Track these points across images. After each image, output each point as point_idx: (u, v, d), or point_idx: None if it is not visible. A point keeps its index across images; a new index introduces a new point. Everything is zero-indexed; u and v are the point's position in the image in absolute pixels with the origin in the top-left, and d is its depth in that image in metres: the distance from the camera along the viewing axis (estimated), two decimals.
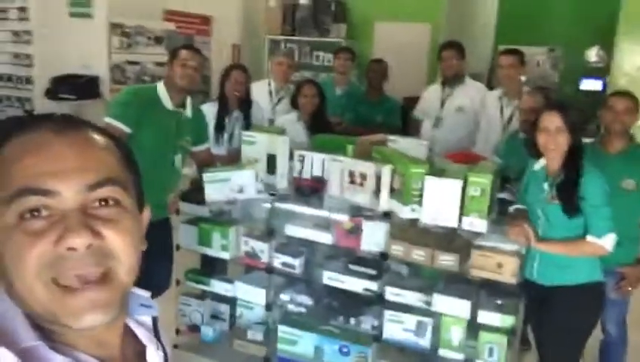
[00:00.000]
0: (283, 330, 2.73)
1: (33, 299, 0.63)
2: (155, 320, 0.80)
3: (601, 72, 7.38)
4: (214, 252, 2.82)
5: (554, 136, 2.23)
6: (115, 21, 4.92)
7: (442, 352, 2.40)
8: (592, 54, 7.69)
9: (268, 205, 2.72)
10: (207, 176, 2.64)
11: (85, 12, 4.96)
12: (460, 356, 2.37)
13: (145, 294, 0.80)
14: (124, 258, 0.66)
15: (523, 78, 3.75)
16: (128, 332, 0.76)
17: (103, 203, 0.65)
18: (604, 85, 6.78)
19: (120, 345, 0.73)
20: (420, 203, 2.26)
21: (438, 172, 2.29)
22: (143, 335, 0.77)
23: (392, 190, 2.36)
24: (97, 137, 0.69)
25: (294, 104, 3.69)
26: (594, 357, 2.95)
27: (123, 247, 0.65)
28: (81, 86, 4.76)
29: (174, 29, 5.58)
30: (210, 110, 3.43)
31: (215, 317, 3.03)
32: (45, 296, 0.62)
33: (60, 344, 0.66)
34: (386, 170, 2.35)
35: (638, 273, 2.69)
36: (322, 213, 2.63)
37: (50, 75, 4.95)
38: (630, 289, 2.72)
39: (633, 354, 2.94)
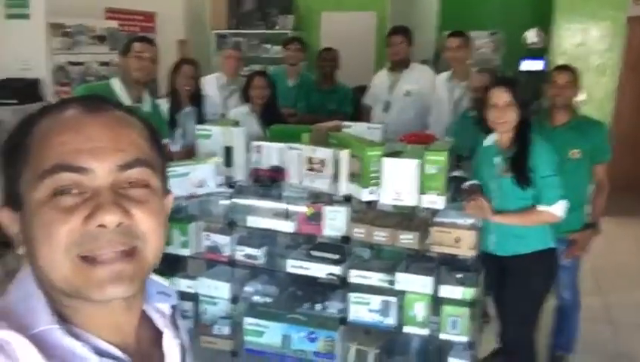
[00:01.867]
0: (249, 322, 2.72)
1: (57, 274, 0.63)
2: (173, 308, 0.80)
3: (540, 52, 7.64)
4: (174, 249, 2.77)
5: (503, 111, 2.30)
6: (54, 21, 4.74)
7: (407, 329, 2.44)
8: (532, 36, 7.96)
9: (227, 198, 2.70)
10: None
11: (21, 13, 4.75)
12: (425, 331, 2.42)
13: (164, 282, 0.80)
14: (151, 238, 0.66)
15: (469, 62, 3.85)
16: (145, 319, 0.76)
17: (132, 184, 0.66)
18: (545, 65, 7.02)
19: (136, 330, 0.73)
20: (378, 185, 2.29)
21: (394, 153, 2.33)
22: (160, 322, 0.77)
23: (350, 174, 2.39)
24: (128, 118, 0.70)
25: (245, 97, 3.67)
26: (548, 323, 3.08)
27: (151, 228, 0.66)
28: (22, 90, 4.56)
29: (117, 27, 5.43)
30: (161, 106, 3.37)
31: None
32: (70, 269, 0.62)
33: (76, 327, 0.65)
34: (344, 155, 2.37)
35: (586, 238, 2.82)
36: (282, 202, 2.63)
37: None
38: (579, 254, 2.85)
39: (586, 316, 3.08)
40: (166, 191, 0.74)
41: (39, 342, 0.61)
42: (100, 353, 0.65)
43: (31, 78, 4.66)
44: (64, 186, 0.62)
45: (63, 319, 0.65)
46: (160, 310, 0.78)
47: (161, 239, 0.68)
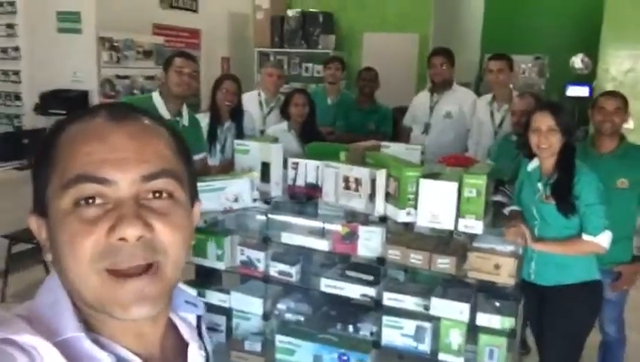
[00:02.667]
0: (281, 340, 2.70)
1: (84, 287, 0.63)
2: (199, 319, 0.79)
3: (586, 78, 7.48)
4: (210, 262, 2.78)
5: (546, 136, 2.24)
6: (104, 35, 4.91)
7: (442, 357, 2.37)
8: (578, 61, 7.80)
9: (263, 213, 2.70)
10: (201, 186, 2.62)
11: (74, 27, 4.95)
12: (460, 360, 2.35)
13: (191, 291, 0.79)
14: (172, 253, 0.65)
15: (511, 85, 3.79)
16: (170, 328, 0.75)
17: (156, 195, 0.65)
18: (591, 91, 6.86)
19: (160, 340, 0.72)
20: (415, 206, 2.25)
21: (433, 175, 2.29)
22: (186, 333, 0.76)
23: (387, 194, 2.36)
24: (155, 128, 0.69)
25: (284, 114, 3.70)
26: (592, 359, 2.94)
27: (172, 242, 0.65)
28: (71, 101, 4.73)
29: (163, 43, 5.58)
30: (202, 121, 3.43)
31: (211, 328, 2.98)
32: (97, 284, 0.62)
33: (101, 336, 0.65)
34: (381, 175, 2.34)
35: (633, 271, 2.70)
36: (318, 220, 2.62)
37: (39, 90, 4.93)
38: (626, 287, 2.72)
39: (633, 353, 2.93)
40: (194, 200, 0.73)
41: (65, 350, 0.61)
42: None
43: (80, 89, 4.82)
44: (87, 196, 0.62)
45: (88, 326, 0.65)
46: (186, 320, 0.77)
47: (183, 253, 0.67)
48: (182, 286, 0.76)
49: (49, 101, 4.85)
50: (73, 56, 4.95)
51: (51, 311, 0.65)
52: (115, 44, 5.00)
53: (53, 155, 0.66)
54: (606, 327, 2.82)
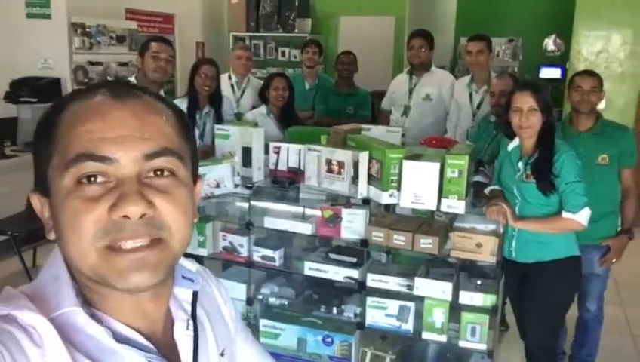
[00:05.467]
0: (265, 324, 2.71)
1: (85, 263, 0.62)
2: (195, 295, 0.77)
3: (558, 59, 7.57)
4: (192, 249, 2.75)
5: (527, 116, 2.26)
6: (76, 20, 4.79)
7: (425, 335, 2.40)
8: (550, 42, 7.88)
9: (245, 198, 2.68)
10: None
11: (43, 12, 4.81)
12: (443, 338, 2.38)
13: (191, 267, 0.78)
14: (175, 230, 0.65)
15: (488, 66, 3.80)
16: None
17: (158, 173, 0.65)
18: (563, 72, 6.95)
19: (164, 318, 0.72)
20: (398, 188, 2.26)
21: (415, 156, 2.30)
22: (175, 311, 0.75)
23: (369, 177, 2.36)
24: (157, 105, 0.68)
25: (263, 98, 3.67)
26: (569, 335, 3.01)
27: (175, 219, 0.65)
28: (43, 88, 4.61)
29: (136, 28, 5.47)
30: (179, 106, 3.37)
31: None
32: (96, 258, 0.62)
33: (100, 312, 0.65)
34: (364, 157, 2.35)
35: (621, 244, 2.74)
36: (300, 204, 2.62)
37: (9, 78, 4.79)
38: (614, 260, 2.77)
39: (606, 326, 2.99)
40: (196, 177, 0.73)
41: (61, 325, 0.61)
42: (121, 339, 0.64)
43: (52, 77, 4.70)
44: (88, 174, 0.62)
45: (90, 303, 0.65)
46: (178, 297, 0.75)
47: (188, 229, 0.67)
48: (182, 261, 0.75)
49: (19, 89, 4.71)
50: (43, 43, 4.82)
51: (52, 286, 0.65)
52: (87, 29, 4.87)
53: (54, 134, 0.65)
54: (587, 303, 2.85)
